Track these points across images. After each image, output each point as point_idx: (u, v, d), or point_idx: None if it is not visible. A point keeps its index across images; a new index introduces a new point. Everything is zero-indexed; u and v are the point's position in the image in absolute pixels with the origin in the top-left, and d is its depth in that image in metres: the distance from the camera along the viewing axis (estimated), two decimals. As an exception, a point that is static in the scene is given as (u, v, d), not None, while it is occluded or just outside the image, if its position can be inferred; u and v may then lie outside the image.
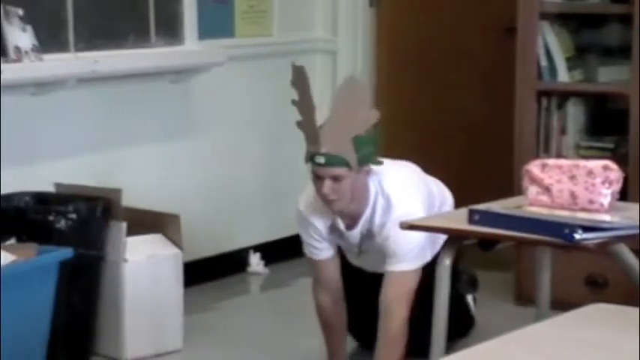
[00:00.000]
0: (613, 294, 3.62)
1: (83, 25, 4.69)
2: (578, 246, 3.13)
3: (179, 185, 5.11)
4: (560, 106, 4.98)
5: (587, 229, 3.14)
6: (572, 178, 3.42)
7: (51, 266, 4.02)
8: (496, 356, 2.35)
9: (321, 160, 3.57)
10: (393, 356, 3.72)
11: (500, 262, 5.04)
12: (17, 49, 4.36)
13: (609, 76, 4.93)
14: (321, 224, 3.80)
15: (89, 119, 4.76)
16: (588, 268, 4.57)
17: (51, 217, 4.12)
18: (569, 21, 5.00)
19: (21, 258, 3.95)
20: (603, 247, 3.28)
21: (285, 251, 5.60)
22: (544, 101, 4.97)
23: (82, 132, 4.75)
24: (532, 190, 3.47)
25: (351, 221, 3.77)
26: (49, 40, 4.53)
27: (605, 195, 3.39)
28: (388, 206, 3.69)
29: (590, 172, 3.41)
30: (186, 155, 5.20)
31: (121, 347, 4.23)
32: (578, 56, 4.98)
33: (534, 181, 3.47)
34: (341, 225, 3.78)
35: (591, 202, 3.38)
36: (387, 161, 3.76)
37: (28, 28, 4.42)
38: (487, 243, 3.54)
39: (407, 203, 3.70)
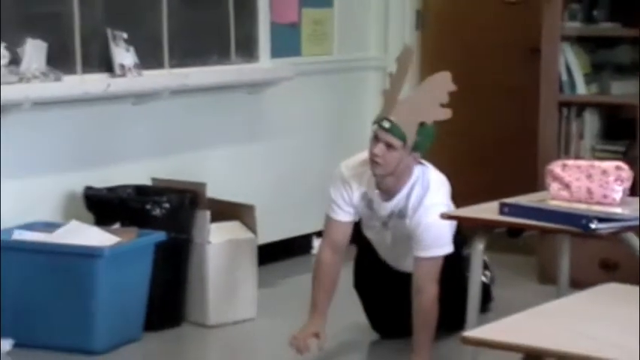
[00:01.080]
0: (623, 276, 3.58)
1: (176, 46, 4.72)
2: (593, 234, 3.11)
3: (254, 180, 5.13)
4: (579, 114, 4.94)
5: (601, 219, 3.13)
6: (589, 176, 3.40)
7: (148, 247, 4.06)
8: (523, 327, 2.34)
9: (386, 124, 3.49)
10: (428, 329, 3.64)
11: (526, 248, 5.02)
12: (122, 66, 4.41)
13: (621, 90, 4.90)
14: (355, 187, 3.68)
15: (180, 125, 4.80)
16: (602, 253, 4.53)
17: (148, 206, 4.15)
18: (587, 42, 4.96)
19: (124, 240, 4.00)
20: (615, 235, 3.26)
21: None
22: (564, 111, 4.94)
23: (174, 136, 4.79)
24: (554, 187, 3.45)
25: (386, 195, 3.64)
26: (148, 58, 4.57)
27: (617, 191, 3.37)
28: (425, 193, 3.60)
29: (604, 172, 3.39)
30: (260, 155, 5.22)
31: (206, 315, 4.25)
32: (594, 72, 4.94)
33: (556, 178, 3.46)
34: (375, 194, 3.66)
35: (605, 197, 3.36)
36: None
37: (131, 48, 4.46)
38: (515, 231, 3.54)
39: (441, 198, 3.62)
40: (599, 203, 3.34)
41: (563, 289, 3.81)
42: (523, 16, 5.60)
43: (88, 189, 4.29)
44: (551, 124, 4.92)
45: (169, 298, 4.22)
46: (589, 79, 4.93)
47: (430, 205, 3.54)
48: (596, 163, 3.51)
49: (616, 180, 3.37)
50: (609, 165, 3.42)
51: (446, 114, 3.49)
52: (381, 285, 3.96)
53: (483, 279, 4.15)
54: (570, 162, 3.54)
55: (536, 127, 4.95)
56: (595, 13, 4.94)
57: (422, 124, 3.50)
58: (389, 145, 3.47)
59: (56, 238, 4.04)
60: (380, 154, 3.48)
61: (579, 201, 3.36)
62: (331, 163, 5.72)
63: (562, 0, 4.85)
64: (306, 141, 5.56)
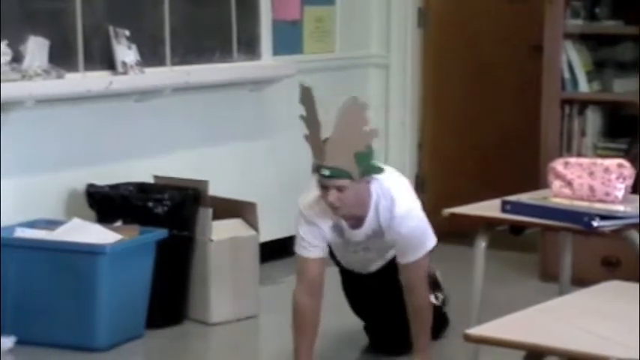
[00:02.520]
0: (625, 273, 3.59)
1: (178, 44, 4.73)
2: (595, 231, 3.12)
3: (255, 177, 5.13)
4: (581, 112, 4.94)
5: (603, 217, 3.13)
6: (591, 174, 3.41)
7: (150, 244, 4.07)
8: (525, 325, 2.34)
9: (326, 172, 3.37)
10: (426, 326, 3.59)
11: (528, 245, 5.02)
12: (124, 63, 4.41)
13: (623, 87, 4.90)
14: (323, 224, 3.54)
15: (182, 122, 4.80)
16: (604, 251, 4.53)
17: (150, 204, 4.15)
18: (589, 40, 4.96)
19: (126, 237, 4.01)
20: (617, 233, 3.26)
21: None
22: (567, 108, 4.93)
23: (176, 133, 4.79)
24: (556, 184, 3.46)
25: (356, 222, 3.54)
26: (150, 56, 4.57)
27: (620, 189, 3.37)
28: (392, 206, 3.49)
29: (606, 169, 3.40)
30: (262, 152, 5.22)
31: (208, 312, 4.25)
32: (596, 70, 4.94)
33: (558, 176, 3.46)
34: (345, 225, 3.56)
35: (607, 194, 3.37)
36: (386, 168, 3.61)
37: (133, 46, 4.46)
38: (517, 228, 3.52)
39: (408, 201, 3.54)
40: (601, 201, 3.34)
41: (565, 286, 3.81)
42: (525, 14, 5.61)
43: (90, 186, 4.29)
44: (554, 121, 4.91)
45: (171, 295, 4.22)
46: (591, 76, 4.93)
47: (401, 215, 3.48)
48: (599, 160, 3.51)
49: (618, 178, 3.38)
50: (611, 162, 3.43)
51: (373, 134, 3.40)
52: (367, 298, 3.94)
53: (434, 301, 4.01)
54: (572, 160, 3.55)
55: (538, 124, 4.95)
56: (597, 10, 4.94)
57: (358, 153, 3.38)
58: (339, 188, 3.37)
59: (58, 235, 4.04)
60: (335, 200, 3.38)
61: (581, 199, 3.37)
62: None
63: (565, -1, 4.86)
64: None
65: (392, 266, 3.68)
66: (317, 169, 3.42)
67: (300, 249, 3.55)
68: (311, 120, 3.45)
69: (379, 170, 3.47)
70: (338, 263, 3.90)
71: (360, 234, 3.57)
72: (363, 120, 3.39)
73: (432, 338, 3.79)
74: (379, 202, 3.49)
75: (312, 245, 3.53)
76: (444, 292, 4.15)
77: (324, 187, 3.40)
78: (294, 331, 3.56)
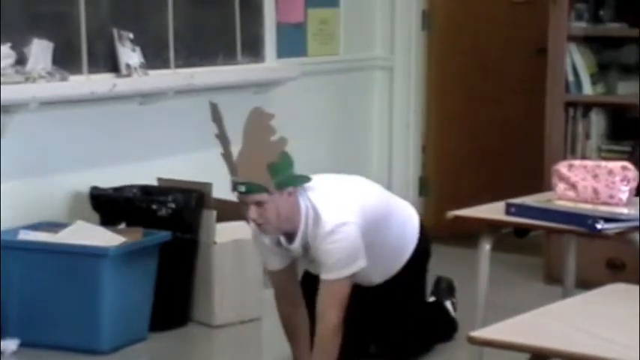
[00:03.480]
0: (630, 276, 3.58)
1: (181, 46, 4.73)
2: (599, 234, 3.12)
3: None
4: (585, 115, 4.94)
5: (607, 220, 3.13)
6: (595, 176, 3.40)
7: (154, 247, 4.07)
8: (529, 327, 2.34)
9: (241, 188, 3.28)
10: (326, 357, 3.40)
11: (532, 248, 5.02)
12: (128, 66, 4.41)
13: (627, 90, 4.89)
14: (267, 240, 3.46)
15: (186, 125, 4.80)
16: (608, 253, 4.53)
17: (154, 206, 4.15)
18: (593, 42, 4.97)
19: (129, 240, 4.01)
20: (621, 236, 3.26)
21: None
22: (571, 111, 4.94)
23: (180, 135, 4.79)
24: (560, 187, 3.45)
25: (290, 237, 3.42)
26: (154, 58, 4.58)
27: (624, 191, 3.37)
28: (317, 219, 3.36)
29: (610, 172, 3.39)
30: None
31: (212, 315, 4.25)
32: (600, 73, 4.94)
33: (562, 178, 3.46)
34: (282, 240, 3.44)
35: (611, 197, 3.36)
36: (319, 177, 3.50)
37: (137, 48, 4.47)
38: (521, 231, 3.52)
39: (334, 215, 3.37)
40: (605, 203, 3.34)
41: (569, 289, 3.81)
42: (529, 16, 5.61)
43: (94, 189, 4.30)
44: (558, 124, 4.91)
45: (175, 298, 4.22)
46: (595, 79, 4.93)
47: (325, 233, 3.34)
48: (603, 163, 3.51)
49: (622, 180, 3.38)
50: (615, 165, 3.43)
51: (282, 143, 3.33)
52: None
53: (449, 307, 4.06)
54: (576, 162, 3.55)
55: (542, 127, 4.95)
56: (601, 13, 4.95)
57: (270, 164, 3.29)
58: (258, 204, 3.28)
59: (62, 238, 4.04)
60: (256, 216, 3.29)
61: (585, 201, 3.37)
62: (337, 163, 5.74)
63: (568, 0, 4.85)
64: (312, 141, 5.55)
65: (399, 281, 3.66)
66: (234, 187, 3.32)
67: (264, 263, 3.52)
68: (222, 137, 3.41)
69: (299, 180, 3.36)
70: None
71: (296, 248, 3.43)
72: (269, 130, 3.32)
73: (443, 341, 3.82)
74: (308, 218, 3.37)
75: (271, 259, 3.49)
76: (456, 299, 4.14)
77: (245, 204, 3.30)
78: (288, 339, 3.56)
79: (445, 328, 4.01)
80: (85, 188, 4.33)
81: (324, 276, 3.38)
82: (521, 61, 5.79)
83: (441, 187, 5.85)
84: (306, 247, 3.43)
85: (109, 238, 4.02)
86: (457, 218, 3.40)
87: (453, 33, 5.85)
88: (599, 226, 3.10)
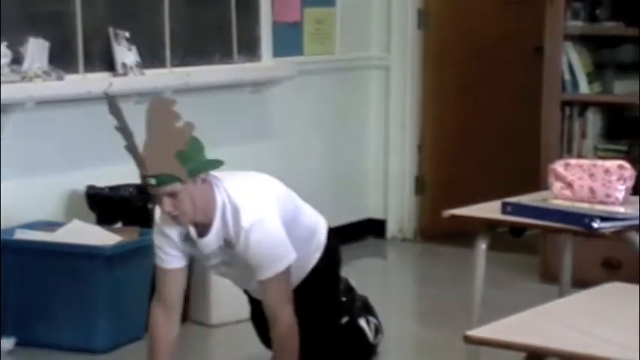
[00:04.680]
0: (626, 275, 3.59)
1: (178, 45, 4.73)
2: (596, 233, 3.12)
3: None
4: (581, 114, 4.95)
5: (604, 219, 3.13)
6: (592, 175, 3.40)
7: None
8: (525, 326, 2.34)
9: (152, 181, 3.06)
10: (293, 357, 3.24)
11: (528, 247, 5.02)
12: (124, 65, 4.42)
13: (623, 89, 4.90)
14: (174, 234, 3.22)
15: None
16: (604, 252, 4.53)
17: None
18: (589, 41, 4.97)
19: (126, 239, 4.01)
20: (618, 235, 3.26)
21: (351, 234, 5.59)
22: (567, 110, 4.94)
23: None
24: (557, 186, 3.45)
25: (203, 229, 3.19)
26: (150, 57, 4.58)
27: (620, 190, 3.37)
28: (237, 214, 3.15)
29: (607, 171, 3.39)
30: (262, 155, 5.20)
31: (209, 314, 4.26)
32: (597, 71, 4.95)
33: (559, 178, 3.46)
34: (192, 232, 3.20)
35: (608, 196, 3.36)
36: (231, 172, 3.31)
37: (133, 47, 4.47)
38: (517, 230, 3.52)
39: (255, 211, 3.18)
40: (601, 202, 3.34)
41: (565, 288, 3.81)
42: (525, 15, 5.61)
43: (90, 188, 4.30)
44: (554, 123, 4.92)
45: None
46: (591, 78, 4.94)
47: (248, 225, 3.14)
48: (599, 162, 3.51)
49: (619, 179, 3.38)
50: (612, 164, 3.43)
51: (189, 128, 3.13)
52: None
53: (364, 325, 3.81)
54: (573, 161, 3.55)
55: (538, 126, 4.95)
56: (598, 12, 4.95)
57: (179, 152, 3.09)
58: (171, 195, 3.07)
59: (58, 237, 4.04)
60: (171, 208, 3.08)
61: (582, 200, 3.37)
62: (334, 161, 5.76)
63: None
64: (308, 140, 5.57)
65: (306, 291, 3.43)
66: (144, 181, 3.12)
67: (156, 260, 3.28)
68: (123, 130, 3.16)
69: (212, 165, 3.17)
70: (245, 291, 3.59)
71: (209, 244, 3.21)
72: (172, 116, 3.11)
73: None
74: (225, 210, 3.17)
75: (167, 255, 3.25)
76: (377, 318, 3.85)
77: (158, 197, 3.10)
78: (148, 351, 3.34)
79: (360, 353, 3.80)
80: (81, 187, 4.33)
81: (262, 276, 3.19)
82: (517, 60, 5.79)
83: (436, 186, 5.85)
84: (225, 246, 3.23)
85: (105, 238, 4.02)
86: (453, 217, 3.40)
87: (449, 32, 5.85)
88: (595, 225, 3.10)
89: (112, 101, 3.21)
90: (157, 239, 3.28)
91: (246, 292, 3.61)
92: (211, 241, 3.21)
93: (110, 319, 3.96)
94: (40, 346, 3.96)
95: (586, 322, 2.35)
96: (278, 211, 3.26)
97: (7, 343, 3.97)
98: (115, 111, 3.18)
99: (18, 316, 4.00)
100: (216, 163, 3.20)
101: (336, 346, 3.69)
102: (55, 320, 3.97)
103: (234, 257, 3.24)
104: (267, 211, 3.22)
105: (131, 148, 3.15)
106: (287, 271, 3.22)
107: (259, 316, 3.48)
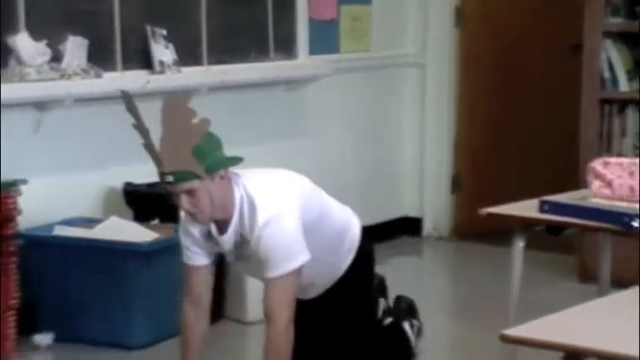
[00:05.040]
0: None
1: (214, 43, 4.76)
2: (635, 232, 3.10)
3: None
4: (621, 111, 4.92)
5: (644, 218, 3.12)
6: (632, 174, 3.38)
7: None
8: (563, 326, 2.33)
9: (169, 178, 3.02)
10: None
11: (566, 246, 5.00)
12: (161, 62, 4.45)
13: (664, 87, 4.90)
14: (197, 232, 3.18)
15: (218, 122, 4.76)
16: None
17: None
18: (629, 39, 4.94)
19: (162, 235, 4.03)
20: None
21: (387, 232, 5.62)
22: (606, 108, 4.92)
23: (213, 131, 4.80)
24: (596, 184, 3.43)
25: (223, 225, 3.14)
26: (187, 55, 4.61)
27: (661, 189, 3.36)
28: (253, 210, 3.09)
29: (647, 170, 3.38)
30: (297, 152, 5.22)
31: (245, 311, 4.27)
32: (637, 69, 4.92)
33: (598, 176, 3.44)
34: (213, 230, 3.16)
35: (649, 195, 3.35)
36: (254, 169, 3.25)
37: (170, 45, 4.50)
38: (555, 229, 3.51)
39: (272, 207, 3.10)
40: (642, 202, 3.32)
41: (604, 287, 3.79)
42: (564, 12, 5.58)
43: (128, 185, 4.33)
44: (593, 121, 4.90)
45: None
46: (631, 75, 4.92)
47: (263, 221, 3.07)
48: (639, 160, 3.48)
49: (660, 178, 3.35)
50: (653, 163, 3.41)
51: (205, 124, 3.10)
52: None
53: (408, 329, 3.77)
54: (612, 160, 3.52)
55: (577, 124, 4.93)
56: (637, 9, 4.92)
57: (196, 148, 3.05)
58: (189, 192, 3.03)
59: (96, 233, 4.08)
60: (189, 205, 3.04)
61: (621, 199, 3.34)
62: (369, 159, 5.76)
63: (604, -2, 4.85)
64: (343, 138, 5.58)
65: (340, 292, 3.36)
66: (161, 178, 3.07)
67: (183, 257, 3.25)
68: (140, 128, 3.12)
69: (230, 162, 3.12)
70: None
71: (227, 240, 3.17)
72: (188, 112, 3.07)
73: None
74: (243, 206, 3.11)
75: (192, 252, 3.22)
76: (419, 320, 3.83)
77: (176, 195, 3.05)
78: (180, 349, 3.30)
79: (400, 354, 3.74)
80: (118, 184, 4.37)
81: (269, 274, 3.10)
82: (556, 58, 5.77)
83: (473, 184, 5.84)
84: (240, 241, 3.17)
85: (142, 234, 4.05)
86: (489, 215, 3.39)
87: (486, 29, 5.84)
88: (635, 224, 3.08)
89: (128, 99, 3.16)
90: (182, 237, 3.24)
91: None
92: (229, 238, 3.15)
93: (147, 315, 3.99)
94: (77, 341, 3.99)
95: (625, 322, 2.32)
96: (299, 210, 3.15)
97: (45, 338, 4.01)
98: (132, 108, 3.14)
99: (55, 312, 4.04)
100: (235, 160, 3.14)
101: (377, 347, 3.65)
102: (92, 316, 4.00)
103: (248, 253, 3.18)
104: (285, 208, 3.12)
105: (148, 146, 3.11)
106: (295, 274, 3.12)
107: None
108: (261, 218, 3.07)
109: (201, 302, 3.28)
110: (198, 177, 3.02)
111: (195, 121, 3.08)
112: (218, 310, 4.29)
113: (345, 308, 3.43)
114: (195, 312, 3.27)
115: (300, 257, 3.11)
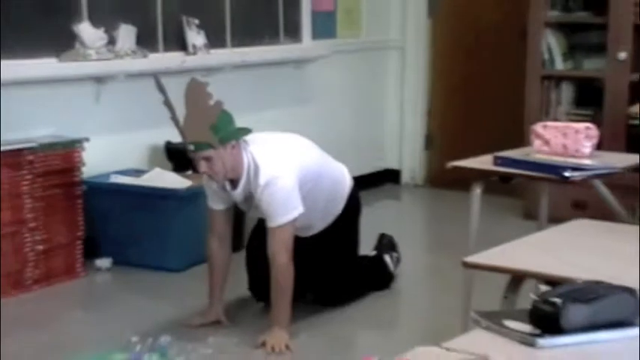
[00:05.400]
0: (591, 213, 3.56)
1: (236, 30, 4.73)
2: (567, 181, 3.10)
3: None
4: (557, 86, 4.91)
5: (574, 169, 3.12)
6: (565, 135, 3.37)
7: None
8: (511, 254, 2.33)
9: (191, 147, 3.08)
10: (284, 295, 3.14)
11: (514, 192, 5.00)
12: (194, 46, 4.43)
13: (591, 66, 4.86)
14: (215, 186, 3.22)
15: (240, 93, 4.79)
16: (574, 196, 4.51)
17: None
18: (564, 28, 4.92)
19: (195, 183, 4.01)
20: (585, 181, 3.24)
21: (373, 181, 5.62)
22: (545, 82, 4.91)
23: (235, 101, 4.74)
24: (537, 143, 3.43)
25: (235, 183, 3.18)
26: (214, 39, 4.58)
27: (587, 146, 3.34)
28: (257, 173, 3.10)
29: (576, 131, 3.36)
30: (302, 117, 5.21)
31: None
32: (570, 52, 4.91)
33: (538, 136, 3.43)
34: (227, 186, 3.20)
35: (577, 151, 3.34)
36: (263, 134, 3.26)
37: (202, 32, 4.48)
38: (505, 178, 3.50)
39: (272, 170, 3.10)
40: (572, 156, 3.31)
41: (543, 224, 3.80)
42: (515, 7, 5.54)
43: (168, 143, 4.33)
44: (535, 93, 4.89)
45: (234, 227, 4.23)
46: (566, 57, 4.90)
47: (264, 182, 3.09)
48: (570, 124, 3.48)
49: (586, 137, 3.35)
50: (580, 126, 3.40)
51: (219, 105, 3.10)
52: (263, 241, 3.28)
53: (387, 259, 3.79)
54: (550, 123, 3.52)
55: (523, 95, 4.92)
56: (571, 3, 4.90)
57: (212, 124, 3.07)
58: (206, 158, 3.07)
59: (143, 181, 4.09)
60: (206, 168, 3.09)
61: (557, 154, 3.34)
62: (359, 123, 5.75)
63: (545, -7, 4.82)
64: (339, 106, 5.57)
65: (333, 232, 3.41)
66: (185, 147, 3.13)
67: (208, 202, 3.30)
68: (169, 104, 3.14)
69: (240, 133, 3.14)
70: None
71: (238, 195, 3.19)
72: (205, 96, 3.10)
73: (378, 290, 3.56)
74: (250, 169, 3.13)
75: (213, 200, 3.27)
76: (398, 252, 3.88)
77: (196, 160, 3.10)
78: (208, 273, 3.35)
79: (381, 279, 3.76)
80: (160, 142, 4.36)
81: (270, 224, 3.12)
82: (508, 42, 5.74)
83: (442, 143, 5.84)
84: (248, 195, 3.18)
85: (179, 182, 4.06)
86: (455, 168, 3.38)
87: (454, 19, 5.81)
88: (567, 174, 3.08)
89: (158, 81, 3.18)
90: (206, 188, 3.28)
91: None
92: (239, 192, 3.18)
93: (182, 245, 3.99)
94: (129, 265, 4.01)
95: (558, 250, 2.33)
96: (297, 170, 3.16)
97: (105, 262, 4.04)
98: (161, 89, 3.16)
99: (113, 242, 4.06)
100: (244, 131, 3.15)
101: (364, 274, 3.69)
102: (139, 245, 4.01)
103: (255, 205, 3.20)
104: (283, 171, 3.11)
105: (174, 119, 3.13)
106: (291, 224, 3.12)
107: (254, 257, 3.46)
108: (262, 180, 3.10)
109: (222, 236, 3.31)
110: (212, 147, 3.05)
111: (211, 102, 3.10)
112: (239, 241, 4.31)
113: (338, 243, 3.46)
114: (219, 244, 3.31)
115: (294, 211, 3.12)
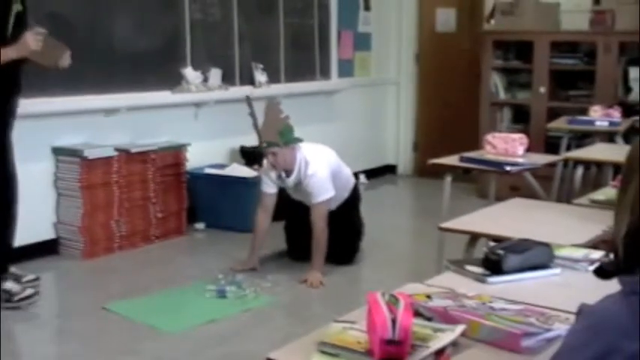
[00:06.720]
0: (523, 194, 3.56)
1: (287, 71, 4.73)
2: (508, 172, 3.10)
3: (328, 143, 5.06)
4: (500, 109, 4.89)
5: (512, 165, 3.11)
6: (506, 142, 3.37)
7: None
8: (471, 222, 2.30)
9: (265, 145, 3.16)
10: (321, 250, 3.17)
11: (473, 180, 4.98)
12: (259, 82, 4.43)
13: (522, 96, 4.83)
14: (273, 175, 3.23)
15: (290, 114, 4.78)
16: (511, 182, 4.48)
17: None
18: (505, 71, 4.90)
19: (258, 174, 3.98)
20: (518, 173, 3.22)
21: (378, 172, 5.60)
22: (493, 107, 4.88)
23: (289, 122, 4.79)
24: (488, 147, 3.41)
25: (289, 173, 3.19)
26: (273, 77, 4.58)
27: (520, 150, 3.32)
28: (306, 167, 3.16)
29: (513, 139, 3.35)
30: (331, 130, 5.20)
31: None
32: (509, 87, 4.89)
33: (489, 143, 3.42)
34: (283, 174, 3.20)
35: (514, 153, 3.32)
36: (308, 144, 3.26)
37: (265, 72, 4.48)
38: (467, 171, 3.49)
39: (316, 166, 3.17)
40: (511, 156, 3.30)
41: (491, 201, 3.76)
42: (472, 57, 5.50)
43: (242, 147, 4.35)
44: (486, 114, 4.87)
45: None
46: (506, 90, 4.89)
47: (311, 174, 3.15)
48: (510, 135, 3.46)
49: (520, 144, 3.34)
50: (516, 136, 3.38)
51: (286, 118, 3.15)
52: (297, 219, 3.34)
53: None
54: (496, 134, 3.50)
55: (479, 115, 4.90)
56: (509, 55, 4.88)
57: (280, 131, 3.12)
58: (273, 154, 3.12)
59: (226, 172, 4.10)
60: (272, 160, 3.14)
61: (501, 155, 3.34)
62: (369, 133, 5.73)
63: (492, 49, 4.79)
64: (355, 122, 5.55)
65: (347, 207, 3.37)
66: (261, 144, 3.19)
67: (262, 187, 3.29)
68: (253, 116, 3.31)
69: (297, 140, 3.18)
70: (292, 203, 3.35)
71: (290, 181, 3.21)
72: (278, 111, 3.16)
73: (346, 262, 3.37)
74: (301, 164, 3.17)
75: (267, 184, 3.26)
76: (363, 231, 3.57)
77: (266, 154, 3.16)
78: (252, 235, 3.30)
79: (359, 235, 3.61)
80: (237, 146, 4.39)
81: (314, 201, 3.15)
82: (467, 80, 5.69)
83: (425, 147, 5.81)
84: (298, 182, 3.20)
85: (248, 173, 4.06)
86: (434, 164, 3.37)
87: (432, 65, 5.77)
88: (507, 168, 3.08)
89: (248, 99, 3.38)
90: (263, 176, 3.29)
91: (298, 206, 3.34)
92: (291, 180, 3.20)
93: (250, 213, 3.96)
94: (218, 227, 4.02)
95: (501, 219, 2.32)
96: (329, 167, 3.22)
97: (201, 225, 4.07)
98: (250, 104, 3.37)
99: (205, 212, 4.07)
100: (299, 139, 3.19)
101: (359, 235, 3.64)
102: (224, 214, 4.00)
103: (301, 189, 3.22)
104: (321, 166, 3.19)
105: (255, 126, 3.28)
106: (327, 202, 3.17)
107: (291, 225, 3.43)
108: (310, 171, 3.16)
109: (267, 211, 3.29)
110: (278, 146, 3.12)
111: (281, 116, 3.19)
112: (274, 216, 4.24)
113: (348, 214, 3.47)
114: (264, 215, 3.29)
115: (329, 193, 3.21)
